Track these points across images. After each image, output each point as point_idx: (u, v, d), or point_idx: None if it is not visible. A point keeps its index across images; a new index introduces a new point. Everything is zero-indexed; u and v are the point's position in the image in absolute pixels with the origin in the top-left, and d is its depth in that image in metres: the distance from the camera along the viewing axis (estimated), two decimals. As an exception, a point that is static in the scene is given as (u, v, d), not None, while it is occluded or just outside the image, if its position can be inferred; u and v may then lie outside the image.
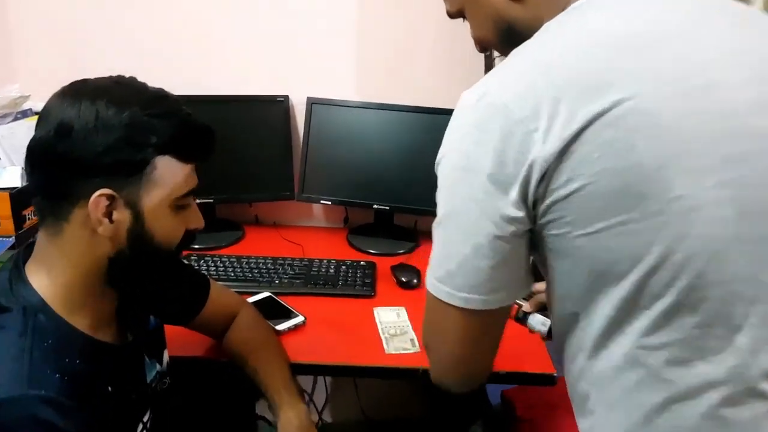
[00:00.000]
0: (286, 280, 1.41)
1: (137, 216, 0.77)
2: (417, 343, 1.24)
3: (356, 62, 1.65)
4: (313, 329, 1.27)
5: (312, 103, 1.62)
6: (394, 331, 1.28)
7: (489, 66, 1.52)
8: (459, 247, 0.67)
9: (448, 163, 0.67)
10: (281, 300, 1.33)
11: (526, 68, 0.64)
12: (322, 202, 1.66)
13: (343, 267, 1.49)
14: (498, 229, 0.64)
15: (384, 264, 1.54)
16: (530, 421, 1.34)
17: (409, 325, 1.30)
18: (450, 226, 0.68)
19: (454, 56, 1.60)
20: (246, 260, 1.47)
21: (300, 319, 1.27)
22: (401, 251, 1.63)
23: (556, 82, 0.61)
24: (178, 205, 0.81)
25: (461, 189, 0.66)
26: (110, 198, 0.74)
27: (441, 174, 0.68)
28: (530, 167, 0.61)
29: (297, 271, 1.45)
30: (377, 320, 1.32)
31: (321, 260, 1.51)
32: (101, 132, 0.72)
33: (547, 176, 0.60)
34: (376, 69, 1.66)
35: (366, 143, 1.63)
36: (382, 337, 1.26)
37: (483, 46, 0.81)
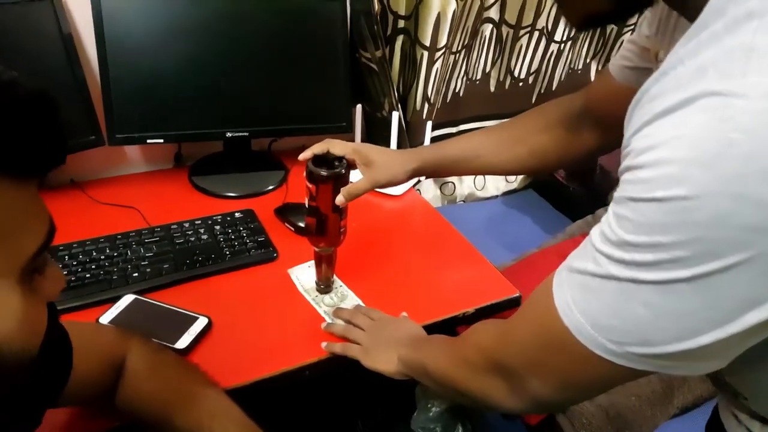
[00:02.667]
0: (148, 268, 0.96)
1: None
2: (364, 306, 0.96)
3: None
4: (224, 330, 0.89)
5: (99, -4, 1.07)
6: (331, 298, 0.97)
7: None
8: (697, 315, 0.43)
9: (715, 210, 0.38)
10: (155, 300, 0.91)
11: None
12: (149, 142, 1.16)
13: (217, 227, 1.08)
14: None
15: (259, 208, 1.17)
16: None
17: (342, 283, 1.00)
18: (697, 290, 0.42)
19: None
20: (67, 253, 0.97)
21: (202, 321, 0.88)
22: (271, 186, 1.26)
23: None
24: (29, 271, 0.40)
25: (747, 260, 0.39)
26: None
27: (689, 217, 0.40)
28: None
29: (156, 250, 1.00)
30: (300, 288, 0.99)
31: (179, 224, 1.08)
32: None
33: None
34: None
35: (197, 47, 1.15)
36: (321, 312, 0.94)
37: (566, 4, 0.57)
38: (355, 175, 0.90)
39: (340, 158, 0.87)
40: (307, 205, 0.88)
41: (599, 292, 0.46)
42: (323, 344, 0.87)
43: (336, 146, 0.89)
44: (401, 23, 1.35)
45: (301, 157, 0.89)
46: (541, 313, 0.54)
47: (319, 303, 0.96)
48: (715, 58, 0.39)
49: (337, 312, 0.93)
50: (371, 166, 0.91)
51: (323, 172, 0.84)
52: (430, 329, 0.95)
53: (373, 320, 0.90)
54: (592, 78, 1.79)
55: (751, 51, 0.38)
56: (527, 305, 0.60)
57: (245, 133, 1.22)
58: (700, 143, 0.38)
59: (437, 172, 0.99)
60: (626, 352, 0.46)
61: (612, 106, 0.66)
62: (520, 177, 1.86)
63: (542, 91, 1.71)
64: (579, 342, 0.49)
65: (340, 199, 0.85)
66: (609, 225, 0.45)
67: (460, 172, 0.98)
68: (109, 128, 1.13)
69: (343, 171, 0.85)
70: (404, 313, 0.95)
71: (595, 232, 0.48)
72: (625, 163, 0.44)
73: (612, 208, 0.46)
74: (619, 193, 0.45)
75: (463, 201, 1.78)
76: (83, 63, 1.11)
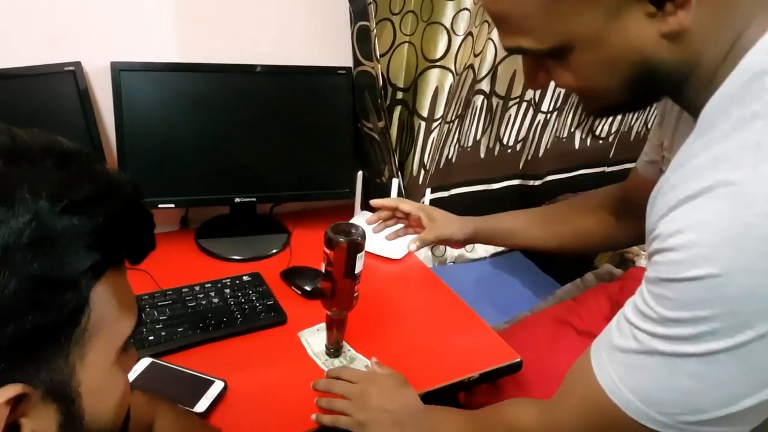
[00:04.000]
0: (163, 332, 0.98)
1: (69, 405, 0.40)
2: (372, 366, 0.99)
3: (175, 12, 1.19)
4: (239, 394, 0.91)
5: (120, 70, 1.13)
6: (340, 362, 1.00)
7: (358, 13, 1.23)
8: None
9: (744, 285, 0.44)
10: (172, 364, 0.93)
11: None
12: (161, 207, 1.20)
13: (227, 290, 1.11)
14: None
15: (265, 270, 1.21)
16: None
17: (350, 347, 1.04)
18: (737, 358, 0.47)
19: (309, 2, 1.27)
20: (82, 315, 0.99)
21: (219, 385, 0.90)
22: (275, 250, 1.29)
23: None
24: (123, 350, 0.45)
25: None
26: (17, 400, 0.37)
27: (722, 292, 0.45)
28: None
29: (170, 313, 1.03)
30: (310, 352, 1.01)
31: (190, 287, 1.10)
32: None
33: None
34: (199, 20, 1.22)
35: (208, 118, 1.20)
36: (332, 375, 0.97)
37: (586, 97, 0.60)
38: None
39: (357, 227, 0.91)
40: (323, 270, 0.92)
41: (645, 368, 0.51)
42: (312, 416, 0.86)
43: (405, 204, 1.00)
44: (400, 95, 1.43)
45: (373, 202, 1.00)
46: (585, 393, 0.57)
47: (329, 366, 0.98)
48: (728, 152, 0.46)
49: (315, 384, 0.91)
50: (435, 221, 0.99)
51: (341, 239, 0.88)
52: (435, 394, 0.98)
53: (353, 384, 0.88)
54: (576, 146, 1.89)
55: (759, 146, 0.45)
56: (567, 387, 0.62)
57: (253, 199, 1.27)
58: (724, 227, 0.44)
59: (490, 240, 1.05)
60: (677, 422, 0.50)
61: (641, 196, 0.72)
62: (508, 239, 1.92)
63: (529, 158, 1.80)
64: (629, 417, 0.52)
65: (412, 247, 0.92)
66: (646, 304, 0.50)
67: (509, 243, 1.04)
68: (123, 193, 1.16)
69: (359, 239, 0.90)
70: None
71: (629, 311, 0.53)
72: (653, 246, 0.50)
73: (647, 288, 0.51)
74: (652, 273, 0.50)
75: (453, 262, 1.84)
76: (101, 132, 1.15)
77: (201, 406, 0.85)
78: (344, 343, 1.03)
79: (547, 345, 1.32)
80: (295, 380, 0.95)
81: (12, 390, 0.36)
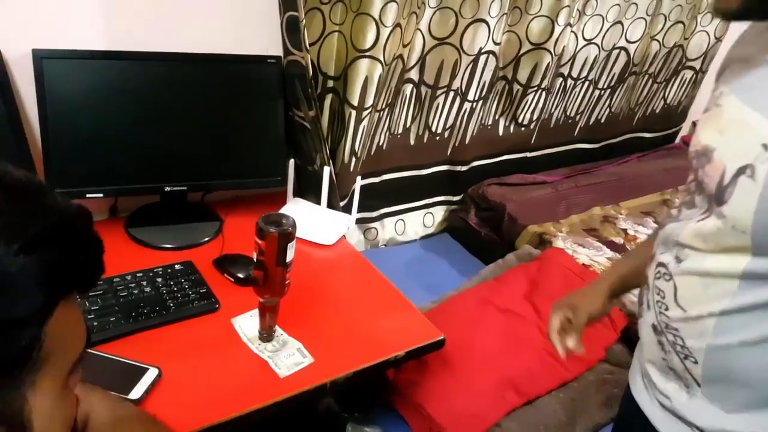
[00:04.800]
0: (95, 322, 0.99)
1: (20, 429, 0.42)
2: (306, 351, 1.04)
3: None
4: (174, 380, 0.94)
5: (42, 58, 1.11)
6: (273, 345, 1.04)
7: (286, 2, 1.25)
8: None
9: None
10: (106, 353, 0.94)
11: None
12: (89, 197, 1.19)
13: (159, 279, 1.13)
14: None
15: (197, 259, 1.22)
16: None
17: (282, 331, 1.08)
18: None
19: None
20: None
21: (153, 372, 0.92)
22: (207, 237, 1.31)
23: None
24: (72, 371, 0.46)
25: None
26: None
27: None
28: None
29: (101, 303, 1.04)
30: (243, 337, 1.05)
31: (121, 276, 1.11)
32: None
33: None
34: (125, 6, 1.20)
35: (136, 107, 1.20)
36: (265, 358, 1.01)
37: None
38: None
39: (288, 217, 0.95)
40: (255, 259, 0.95)
41: None
42: None
43: (555, 323, 0.97)
44: (330, 83, 1.46)
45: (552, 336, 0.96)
46: None
47: (262, 350, 1.03)
48: None
49: None
50: (577, 310, 0.96)
51: (272, 229, 0.92)
52: (365, 372, 1.04)
53: None
54: (500, 133, 1.98)
55: None
56: None
57: (183, 187, 1.28)
58: None
59: (625, 289, 1.01)
60: None
61: None
62: (437, 221, 2.00)
63: (456, 144, 1.88)
64: None
65: (580, 351, 0.93)
66: None
67: (641, 282, 0.97)
68: (49, 184, 1.15)
69: (290, 229, 0.94)
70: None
71: None
72: None
73: None
74: None
75: (385, 245, 1.90)
76: (24, 121, 1.13)
77: (135, 393, 0.88)
78: (277, 327, 1.07)
79: (470, 323, 1.41)
80: (229, 365, 0.99)
81: None
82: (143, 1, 1.20)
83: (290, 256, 0.96)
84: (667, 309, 0.74)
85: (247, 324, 1.08)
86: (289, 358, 1.02)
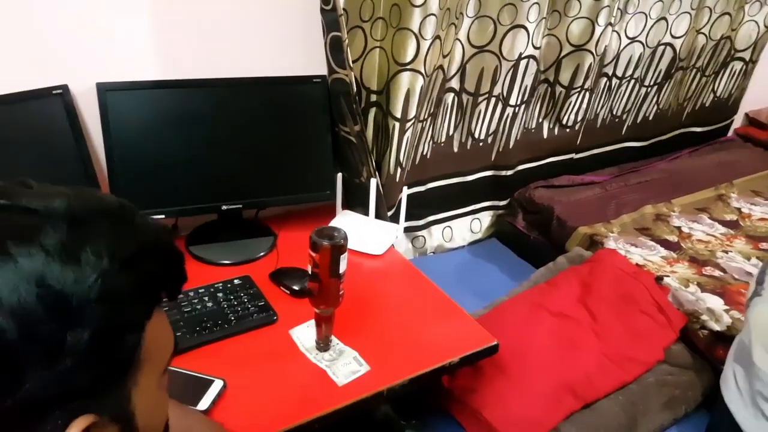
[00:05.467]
0: (162, 337, 1.05)
1: (128, 425, 0.47)
2: (362, 359, 1.07)
3: (153, 31, 1.24)
4: (238, 391, 0.98)
5: (106, 90, 1.18)
6: (330, 355, 1.08)
7: (330, 24, 1.29)
8: None
9: None
10: (173, 366, 0.99)
11: None
12: (154, 218, 1.26)
13: (219, 294, 1.18)
14: None
15: (254, 272, 1.27)
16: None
17: (338, 340, 1.11)
18: None
19: (282, 15, 1.33)
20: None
21: (218, 384, 0.97)
22: (262, 252, 1.36)
23: None
24: (164, 372, 0.52)
25: None
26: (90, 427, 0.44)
27: None
28: None
29: (169, 319, 1.09)
30: (301, 347, 1.09)
31: (185, 293, 1.17)
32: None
33: None
34: (180, 37, 1.27)
35: (192, 131, 1.27)
36: (323, 367, 1.05)
37: None
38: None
39: (339, 230, 0.99)
40: (310, 272, 0.99)
41: None
42: None
43: None
44: (373, 97, 1.50)
45: None
46: None
47: (320, 360, 1.06)
48: None
49: None
50: None
51: (325, 242, 0.95)
52: (419, 379, 1.07)
53: None
54: (545, 135, 1.98)
55: None
56: None
57: (239, 206, 1.33)
58: None
59: None
60: None
61: None
62: (485, 227, 2.01)
63: (500, 150, 1.88)
64: None
65: None
66: None
67: None
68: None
69: (342, 242, 0.97)
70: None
71: None
72: None
73: None
74: None
75: (433, 252, 1.92)
76: (91, 150, 1.21)
77: (203, 404, 0.93)
78: (333, 337, 1.10)
79: (522, 327, 1.41)
80: (289, 375, 1.03)
81: (86, 420, 0.42)
82: (193, 30, 1.27)
83: (343, 267, 0.99)
84: None
85: (305, 334, 1.12)
86: (346, 367, 1.05)
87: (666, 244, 1.77)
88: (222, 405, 0.95)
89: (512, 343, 1.35)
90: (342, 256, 0.98)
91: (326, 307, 1.03)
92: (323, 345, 1.08)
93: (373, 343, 1.11)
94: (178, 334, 1.06)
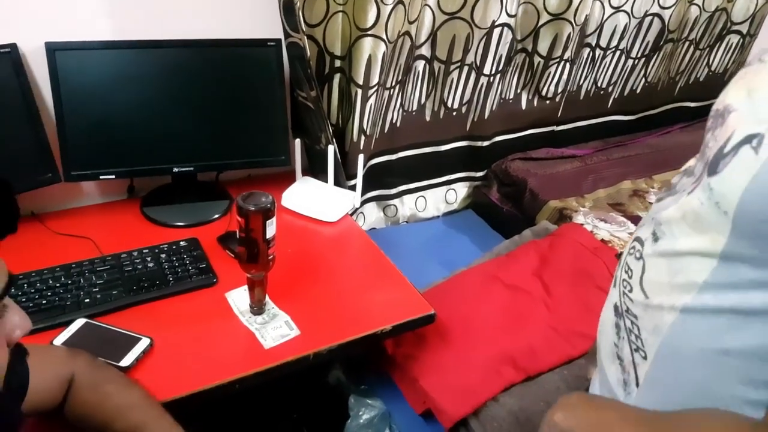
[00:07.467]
0: (98, 294, 1.08)
1: None
2: (293, 324, 1.09)
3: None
4: (164, 350, 1.01)
5: (54, 50, 1.19)
6: (263, 318, 1.10)
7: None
8: None
9: None
10: (104, 323, 1.02)
11: None
12: (102, 178, 1.28)
13: (163, 255, 1.20)
14: None
15: (204, 236, 1.29)
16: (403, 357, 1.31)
17: (273, 304, 1.13)
18: None
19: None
20: (26, 281, 1.08)
21: (145, 342, 0.99)
22: (216, 215, 1.38)
23: None
24: None
25: None
26: None
27: None
28: None
29: (107, 277, 1.12)
30: (235, 310, 1.11)
31: (129, 252, 1.19)
32: None
33: None
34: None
35: (144, 93, 1.27)
36: (252, 330, 1.07)
37: None
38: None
39: (267, 195, 0.99)
40: (238, 237, 1.00)
41: None
42: None
43: None
44: (337, 63, 1.48)
45: None
46: None
47: (251, 323, 1.08)
48: None
49: None
50: None
51: (251, 207, 0.96)
52: (354, 344, 1.08)
53: None
54: (523, 107, 1.94)
55: None
56: None
57: (191, 168, 1.34)
58: None
59: None
60: None
61: None
62: (461, 197, 2.00)
63: (475, 120, 1.86)
64: None
65: None
66: None
67: None
68: (65, 167, 1.24)
69: (269, 206, 0.98)
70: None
71: None
72: None
73: None
74: None
75: (406, 222, 1.92)
76: (40, 109, 1.22)
77: (126, 360, 0.95)
78: (268, 300, 1.12)
79: (474, 298, 1.41)
80: (218, 336, 1.05)
81: None
82: (147, -9, 1.26)
83: (271, 232, 1.00)
84: (631, 290, 0.67)
85: (240, 298, 1.13)
86: (275, 330, 1.07)
87: (637, 220, 1.74)
88: (146, 363, 0.98)
89: (461, 313, 1.35)
90: (269, 221, 0.99)
91: (257, 272, 1.05)
92: (257, 308, 1.10)
93: (309, 309, 1.13)
94: (114, 292, 1.09)
